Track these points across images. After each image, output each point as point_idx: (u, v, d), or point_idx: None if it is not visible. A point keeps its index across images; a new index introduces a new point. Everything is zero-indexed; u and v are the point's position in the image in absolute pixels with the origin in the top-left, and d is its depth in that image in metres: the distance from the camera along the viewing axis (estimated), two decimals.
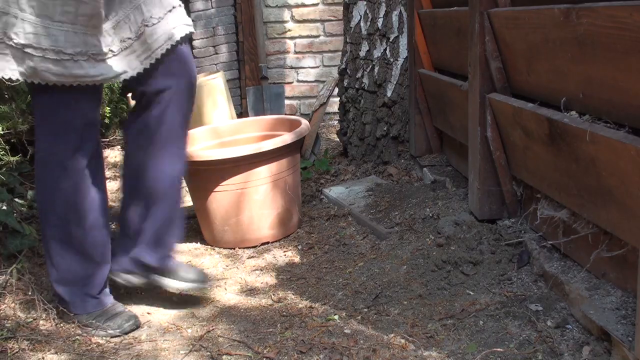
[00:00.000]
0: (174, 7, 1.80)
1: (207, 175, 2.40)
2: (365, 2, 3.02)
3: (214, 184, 2.39)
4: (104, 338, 1.82)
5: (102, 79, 1.70)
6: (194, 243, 2.57)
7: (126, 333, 1.83)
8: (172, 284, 1.95)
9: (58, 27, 1.60)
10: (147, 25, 1.73)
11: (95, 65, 1.67)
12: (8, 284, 2.00)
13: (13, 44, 1.59)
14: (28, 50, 1.59)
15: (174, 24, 1.78)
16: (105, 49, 1.70)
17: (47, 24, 1.59)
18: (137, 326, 1.86)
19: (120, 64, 1.73)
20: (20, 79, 1.64)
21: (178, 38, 1.78)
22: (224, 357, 1.69)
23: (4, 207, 2.21)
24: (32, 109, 1.79)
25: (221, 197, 2.40)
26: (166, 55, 1.77)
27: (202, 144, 2.77)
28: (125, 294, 2.10)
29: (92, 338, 1.82)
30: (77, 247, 1.82)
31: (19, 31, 1.58)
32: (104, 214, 1.86)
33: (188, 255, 2.44)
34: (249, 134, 2.83)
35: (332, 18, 4.59)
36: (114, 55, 1.72)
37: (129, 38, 1.73)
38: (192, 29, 1.84)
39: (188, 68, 1.85)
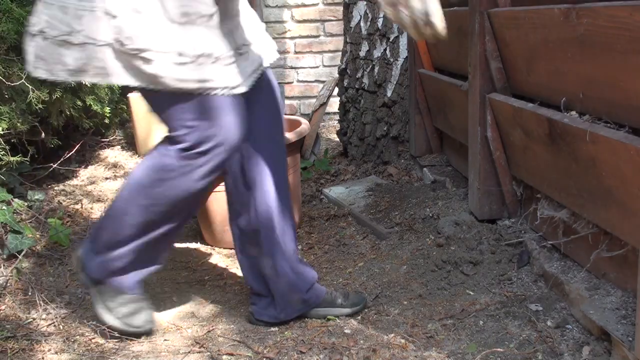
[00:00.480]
0: (263, 30, 1.74)
1: None
2: (365, 2, 3.02)
3: (213, 183, 2.39)
4: (103, 339, 1.82)
5: (226, 85, 1.52)
6: (194, 243, 2.57)
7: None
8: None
9: (178, 29, 1.45)
10: (245, 45, 1.62)
11: (222, 69, 1.51)
12: (8, 284, 2.00)
13: (126, 50, 1.44)
14: (146, 54, 1.43)
15: (266, 47, 1.72)
16: (230, 51, 1.53)
17: (167, 26, 1.44)
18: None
19: (245, 67, 1.59)
20: (134, 84, 1.49)
21: (270, 62, 1.73)
22: (224, 357, 1.69)
23: (4, 207, 2.22)
24: (159, 114, 1.58)
25: (221, 197, 2.40)
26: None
27: None
28: None
29: (93, 338, 1.82)
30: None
31: (132, 35, 1.43)
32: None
33: (188, 255, 2.44)
34: None
35: (332, 18, 4.59)
36: (232, 63, 1.54)
37: (237, 52, 1.58)
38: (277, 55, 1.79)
39: (274, 90, 1.78)
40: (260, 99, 1.72)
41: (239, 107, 1.56)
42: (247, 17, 1.68)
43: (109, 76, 1.48)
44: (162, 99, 1.52)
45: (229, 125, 1.54)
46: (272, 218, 1.74)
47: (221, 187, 2.39)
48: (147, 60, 1.44)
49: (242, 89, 1.56)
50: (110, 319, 1.73)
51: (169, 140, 1.58)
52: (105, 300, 1.74)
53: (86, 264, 1.73)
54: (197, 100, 1.50)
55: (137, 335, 1.76)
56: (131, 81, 1.48)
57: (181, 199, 1.62)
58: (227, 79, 1.51)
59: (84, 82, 3.04)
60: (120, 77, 1.48)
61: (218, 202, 2.41)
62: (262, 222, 1.75)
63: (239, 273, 2.25)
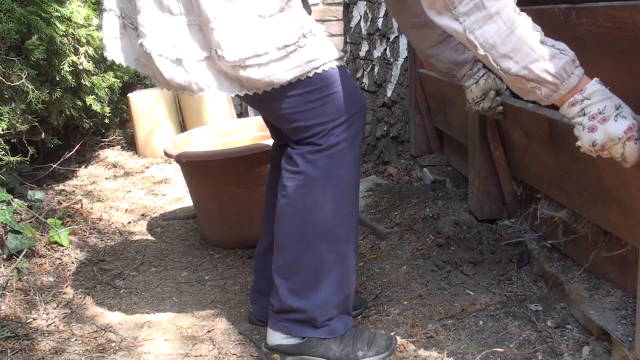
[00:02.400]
0: None
1: (207, 175, 2.39)
2: (365, 2, 3.02)
3: (214, 183, 2.39)
4: (103, 339, 1.82)
5: (331, 58, 1.44)
6: (194, 243, 2.57)
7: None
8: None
9: (273, 22, 1.36)
10: None
11: (320, 42, 1.42)
12: (8, 284, 2.00)
13: (228, 61, 1.34)
14: (250, 62, 1.34)
15: None
16: (318, 26, 1.44)
17: (261, 23, 1.35)
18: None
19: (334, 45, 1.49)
20: (250, 93, 1.40)
21: None
22: (224, 357, 1.70)
23: (4, 207, 2.22)
24: (285, 114, 1.46)
25: (221, 197, 2.40)
26: None
27: (202, 144, 2.77)
28: (126, 294, 2.10)
29: (93, 338, 1.82)
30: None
31: (231, 45, 1.33)
32: None
33: (188, 255, 2.44)
34: (249, 134, 2.83)
35: (332, 18, 4.59)
36: (325, 37, 1.46)
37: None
38: None
39: None
40: None
41: (350, 78, 1.51)
42: None
43: (209, 89, 1.40)
44: (276, 99, 1.43)
45: (354, 91, 1.48)
46: None
47: (222, 187, 2.39)
48: (253, 67, 1.36)
49: (337, 55, 1.46)
50: None
51: (301, 143, 1.47)
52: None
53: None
54: (314, 80, 1.42)
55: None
56: (234, 91, 1.41)
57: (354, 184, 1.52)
58: (330, 51, 1.44)
59: (83, 82, 3.04)
60: (222, 90, 1.40)
61: (218, 202, 2.41)
62: None
63: (239, 273, 2.25)
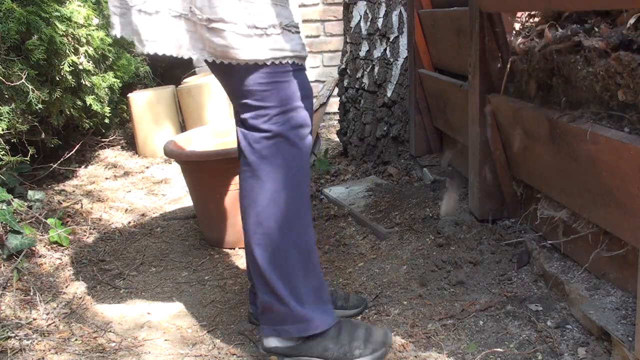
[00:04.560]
0: None
1: (207, 175, 2.40)
2: (365, 2, 3.02)
3: (214, 183, 2.39)
4: (103, 339, 1.82)
5: (298, 55, 1.49)
6: (194, 243, 2.57)
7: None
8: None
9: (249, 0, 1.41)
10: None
11: (291, 38, 1.47)
12: (8, 284, 2.00)
13: (197, 20, 1.40)
14: (215, 25, 1.40)
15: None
16: (295, 21, 1.49)
17: None
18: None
19: (303, 43, 1.54)
20: (208, 59, 1.45)
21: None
22: (224, 357, 1.70)
23: (4, 207, 2.22)
24: (234, 90, 1.51)
25: (221, 197, 2.40)
26: None
27: (201, 144, 2.77)
28: (126, 294, 2.10)
29: (93, 338, 1.82)
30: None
31: (203, 5, 1.40)
32: None
33: (188, 255, 2.44)
34: None
35: (332, 18, 4.59)
36: (297, 33, 1.51)
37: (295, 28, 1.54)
38: None
39: None
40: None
41: (306, 78, 1.54)
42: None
43: (180, 48, 1.44)
44: (234, 74, 1.47)
45: (305, 91, 1.52)
46: None
47: (221, 187, 2.39)
48: (218, 32, 1.41)
49: (304, 54, 1.52)
50: None
51: (246, 125, 1.52)
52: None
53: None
54: (270, 70, 1.46)
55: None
56: (202, 55, 1.45)
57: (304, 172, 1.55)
58: (294, 46, 1.48)
59: (83, 82, 3.04)
60: (191, 51, 1.44)
61: (218, 202, 2.41)
62: None
63: (239, 273, 2.25)
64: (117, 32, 1.49)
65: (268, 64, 1.45)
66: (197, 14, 1.40)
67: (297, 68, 1.50)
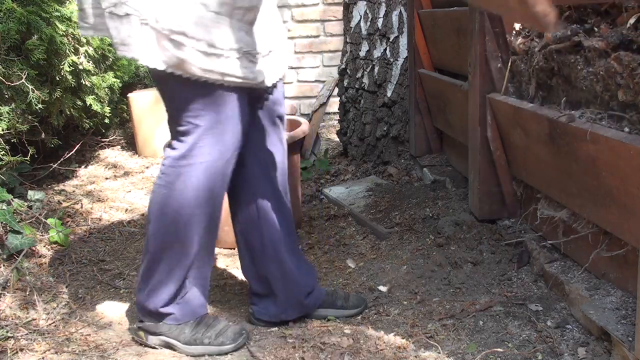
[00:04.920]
0: (285, 39, 1.75)
1: None
2: (365, 2, 3.02)
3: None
4: (103, 339, 1.82)
5: (250, 83, 1.54)
6: None
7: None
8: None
9: (212, 19, 1.45)
10: (271, 51, 1.64)
11: (247, 66, 1.52)
12: (8, 284, 2.00)
13: (159, 28, 1.43)
14: (176, 37, 1.43)
15: (284, 57, 1.73)
16: (259, 50, 1.55)
17: (202, 12, 1.44)
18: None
19: (266, 70, 1.60)
20: (161, 67, 1.46)
21: (285, 71, 1.75)
22: (224, 357, 1.70)
23: (4, 207, 2.22)
24: (169, 100, 1.57)
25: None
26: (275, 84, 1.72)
27: None
28: (126, 294, 2.10)
29: (93, 338, 1.82)
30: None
31: (168, 15, 1.42)
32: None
33: None
34: None
35: (332, 18, 4.59)
36: (262, 58, 1.57)
37: (270, 50, 1.61)
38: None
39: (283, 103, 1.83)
40: (269, 102, 1.75)
41: (246, 107, 1.60)
42: (277, 22, 1.68)
43: (140, 54, 1.46)
44: (179, 87, 1.51)
45: (236, 120, 1.58)
46: (274, 218, 1.78)
47: None
48: (178, 44, 1.44)
49: (255, 82, 1.57)
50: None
51: (173, 136, 1.61)
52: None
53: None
54: (212, 92, 1.52)
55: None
56: (155, 63, 1.46)
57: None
58: (247, 73, 1.53)
59: (83, 82, 3.04)
60: (148, 57, 1.46)
61: None
62: (265, 222, 1.77)
63: (239, 273, 2.25)
64: (96, 33, 1.54)
65: (217, 84, 1.50)
66: (161, 22, 1.43)
67: (239, 93, 1.56)
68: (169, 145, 1.63)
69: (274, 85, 1.72)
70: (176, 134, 1.60)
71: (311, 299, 1.83)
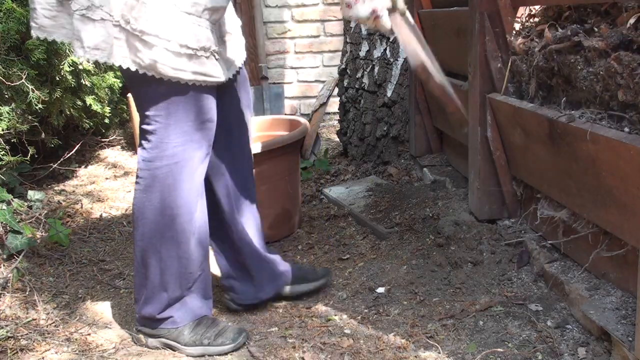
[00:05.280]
0: (239, 27, 1.78)
1: None
2: None
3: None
4: (103, 339, 1.82)
5: (217, 81, 1.58)
6: None
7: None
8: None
9: (184, 18, 1.46)
10: (229, 33, 1.67)
11: (215, 64, 1.56)
12: (8, 284, 2.00)
13: (130, 29, 1.43)
14: (148, 38, 1.44)
15: (241, 44, 1.76)
16: (218, 47, 1.58)
17: (173, 13, 1.45)
18: None
19: (223, 66, 1.63)
20: (133, 68, 1.47)
21: (244, 59, 1.78)
22: (223, 357, 1.70)
23: (4, 207, 2.22)
24: (140, 101, 1.57)
25: None
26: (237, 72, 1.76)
27: None
28: (126, 294, 2.10)
29: (92, 338, 1.82)
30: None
31: (139, 16, 1.42)
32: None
33: None
34: None
35: (332, 18, 4.59)
36: (220, 58, 1.60)
37: (222, 39, 1.64)
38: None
39: (248, 89, 1.86)
40: (233, 92, 1.79)
41: (215, 104, 1.63)
42: (230, 12, 1.72)
43: (112, 56, 1.47)
44: (151, 88, 1.52)
45: (206, 122, 1.61)
46: (248, 202, 1.88)
47: None
48: (149, 45, 1.44)
49: (223, 80, 1.60)
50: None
51: (146, 137, 1.60)
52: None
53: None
54: (183, 91, 1.53)
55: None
56: (125, 63, 1.47)
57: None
58: (216, 72, 1.56)
59: (83, 82, 3.04)
60: (120, 59, 1.46)
61: None
62: (238, 209, 1.85)
63: None
64: (43, 35, 1.51)
65: (189, 84, 1.52)
66: (132, 23, 1.43)
67: (209, 92, 1.59)
68: (141, 147, 1.61)
69: (238, 73, 1.76)
70: (147, 134, 1.59)
71: (284, 275, 1.94)
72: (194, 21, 1.48)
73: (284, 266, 1.95)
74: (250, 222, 1.88)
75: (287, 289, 1.94)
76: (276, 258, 1.94)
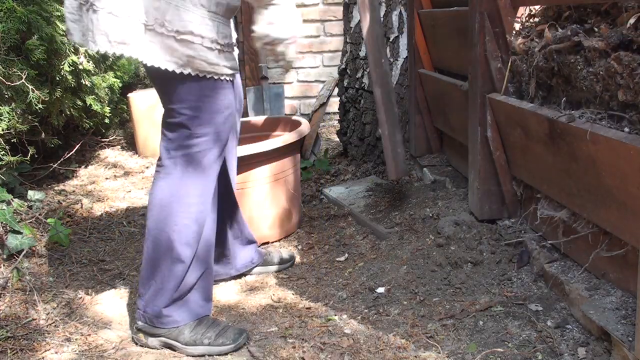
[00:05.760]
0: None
1: None
2: None
3: None
4: (103, 339, 1.82)
5: (234, 73, 1.69)
6: None
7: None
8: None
9: (211, 17, 1.57)
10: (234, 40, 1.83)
11: (234, 58, 1.68)
12: (8, 284, 2.00)
13: (165, 32, 1.52)
14: (184, 37, 1.54)
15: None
16: (234, 43, 1.71)
17: (202, 12, 1.56)
18: None
19: (236, 61, 1.76)
20: (170, 69, 1.56)
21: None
22: (223, 357, 1.70)
23: (4, 207, 2.22)
24: (169, 97, 1.65)
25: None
26: None
27: None
28: (126, 294, 2.10)
29: (92, 338, 1.82)
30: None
31: (172, 18, 1.52)
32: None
33: None
34: (249, 134, 2.83)
35: (332, 18, 4.59)
36: (233, 52, 1.72)
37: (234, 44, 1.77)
38: None
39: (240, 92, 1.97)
40: (235, 90, 1.88)
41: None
42: None
43: (138, 53, 1.54)
44: (180, 83, 1.60)
45: (230, 109, 1.70)
46: (227, 183, 2.01)
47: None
48: (187, 43, 1.54)
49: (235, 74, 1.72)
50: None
51: (171, 129, 1.68)
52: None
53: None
54: (211, 84, 1.62)
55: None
56: (168, 65, 1.55)
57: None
58: (236, 65, 1.69)
59: (83, 82, 3.04)
60: (158, 60, 1.54)
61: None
62: (221, 189, 1.95)
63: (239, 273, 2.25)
64: (75, 38, 1.59)
65: (215, 77, 1.62)
66: (167, 26, 1.52)
67: (230, 86, 1.69)
68: (165, 137, 1.69)
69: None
70: (173, 126, 1.66)
71: (256, 254, 2.18)
72: (219, 20, 1.59)
73: (257, 250, 2.19)
74: (234, 206, 2.07)
75: (255, 269, 2.20)
76: (254, 240, 2.17)
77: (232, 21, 1.74)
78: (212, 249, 1.78)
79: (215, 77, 1.61)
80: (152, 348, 1.74)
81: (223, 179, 1.95)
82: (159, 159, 1.71)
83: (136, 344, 1.77)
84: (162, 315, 1.72)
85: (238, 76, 1.92)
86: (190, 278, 1.72)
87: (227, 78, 1.65)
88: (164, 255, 1.69)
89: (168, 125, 1.68)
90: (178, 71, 1.56)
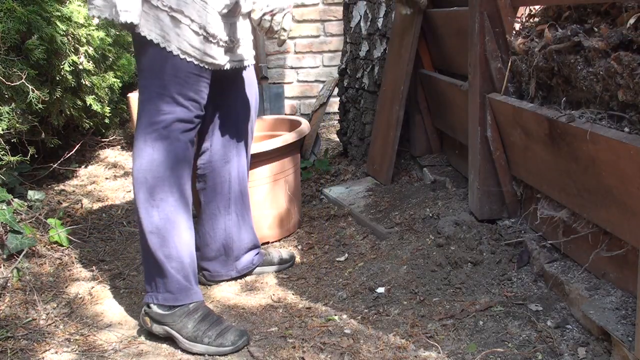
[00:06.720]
0: (250, 39, 1.95)
1: None
2: (365, 2, 3.02)
3: None
4: (103, 339, 1.82)
5: (218, 64, 1.76)
6: None
7: None
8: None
9: (203, 6, 1.66)
10: (236, 40, 1.83)
11: (220, 51, 1.75)
12: (8, 284, 2.00)
13: (160, 5, 1.63)
14: (176, 15, 1.64)
15: (249, 46, 1.95)
16: (225, 38, 1.77)
17: (197, 1, 1.66)
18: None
19: (234, 57, 1.86)
20: (155, 41, 1.66)
21: (251, 62, 1.97)
22: (223, 357, 1.70)
23: (4, 207, 2.22)
24: (144, 72, 1.78)
25: None
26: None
27: None
28: (126, 295, 2.10)
29: (93, 338, 1.82)
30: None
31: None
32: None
33: None
34: None
35: (332, 18, 4.59)
36: (224, 48, 1.78)
37: (230, 41, 1.81)
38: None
39: (256, 90, 2.07)
40: (240, 86, 1.99)
41: (209, 84, 1.79)
42: (245, 23, 1.88)
43: (136, 19, 1.63)
44: (163, 61, 1.68)
45: (200, 94, 1.77)
46: (243, 187, 2.08)
47: None
48: (175, 21, 1.63)
49: (222, 64, 1.78)
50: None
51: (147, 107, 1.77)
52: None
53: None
54: (188, 67, 1.69)
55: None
56: (154, 37, 1.64)
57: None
58: (220, 58, 1.75)
59: (83, 81, 3.04)
60: (146, 30, 1.64)
61: None
62: (236, 190, 2.05)
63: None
64: (99, 13, 1.67)
65: (195, 63, 1.69)
66: (164, 0, 1.62)
67: (207, 76, 1.75)
68: (138, 117, 1.79)
69: (244, 69, 1.96)
70: (144, 103, 1.77)
71: (257, 256, 2.19)
72: (208, 10, 1.66)
73: (258, 252, 2.21)
74: (243, 202, 2.10)
75: (256, 269, 2.21)
76: (257, 240, 2.20)
77: (238, 28, 1.80)
78: (190, 228, 1.83)
79: (195, 62, 1.69)
80: (156, 334, 1.78)
81: (237, 179, 2.03)
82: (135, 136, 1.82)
83: (142, 326, 1.81)
84: (149, 295, 1.79)
85: (252, 73, 2.00)
86: (170, 255, 1.77)
87: (206, 66, 1.72)
88: (149, 231, 1.82)
89: (140, 102, 1.79)
90: (162, 45, 1.65)
